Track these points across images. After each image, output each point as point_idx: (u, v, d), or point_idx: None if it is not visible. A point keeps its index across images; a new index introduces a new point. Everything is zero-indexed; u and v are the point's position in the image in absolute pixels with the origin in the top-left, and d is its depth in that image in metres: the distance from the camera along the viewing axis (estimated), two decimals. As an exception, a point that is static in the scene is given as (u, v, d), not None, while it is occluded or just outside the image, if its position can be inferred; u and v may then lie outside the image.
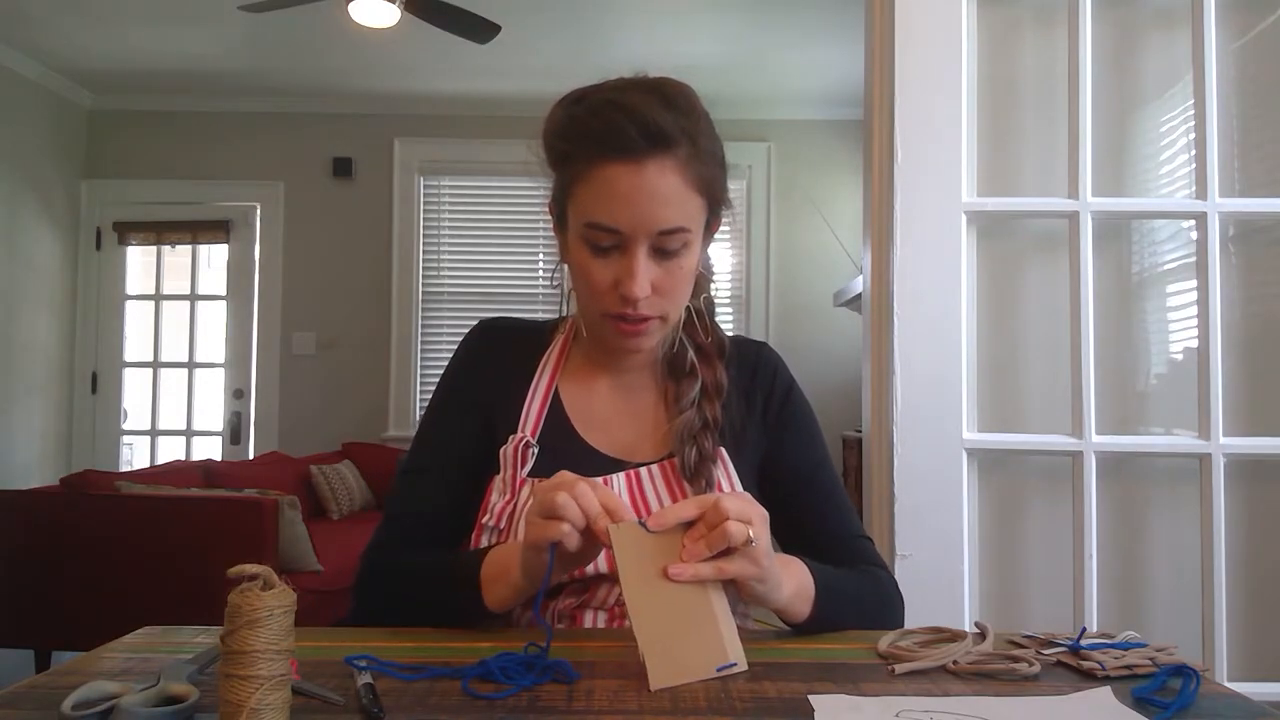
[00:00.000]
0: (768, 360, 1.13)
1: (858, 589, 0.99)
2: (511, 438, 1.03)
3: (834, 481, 1.10)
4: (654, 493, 1.02)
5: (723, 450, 1.05)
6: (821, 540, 1.03)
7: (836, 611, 0.93)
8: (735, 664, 0.78)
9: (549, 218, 1.06)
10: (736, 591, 0.83)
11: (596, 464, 1.03)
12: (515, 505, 1.00)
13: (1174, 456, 1.53)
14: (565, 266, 1.06)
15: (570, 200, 0.98)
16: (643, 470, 1.04)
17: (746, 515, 0.79)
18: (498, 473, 1.03)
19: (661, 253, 0.95)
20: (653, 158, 0.92)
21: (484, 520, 1.01)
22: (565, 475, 0.83)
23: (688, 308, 1.06)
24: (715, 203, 1.01)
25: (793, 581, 0.89)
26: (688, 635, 0.77)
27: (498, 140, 5.15)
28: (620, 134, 0.91)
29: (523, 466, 1.02)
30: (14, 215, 4.82)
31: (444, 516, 1.05)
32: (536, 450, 1.03)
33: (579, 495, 0.79)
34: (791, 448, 1.09)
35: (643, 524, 0.79)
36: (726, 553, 0.79)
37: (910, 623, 0.99)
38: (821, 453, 1.11)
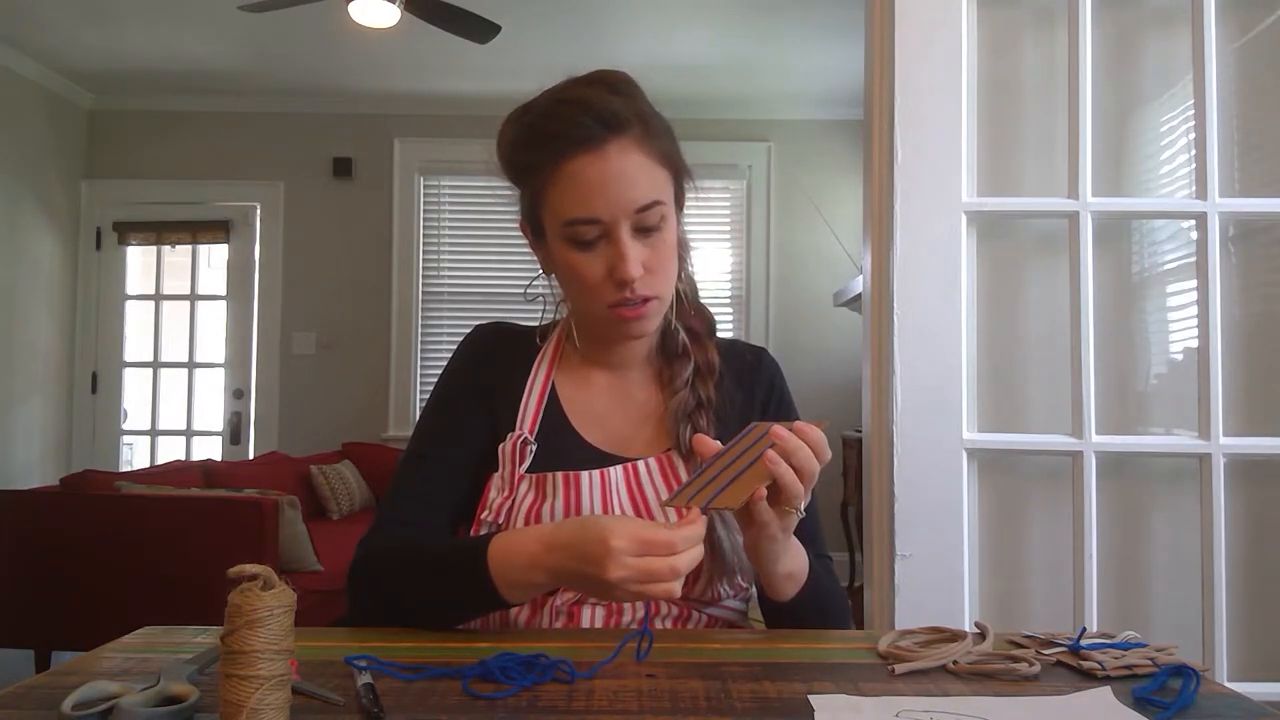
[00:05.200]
0: (766, 365, 1.15)
1: (829, 596, 1.01)
2: (510, 435, 1.05)
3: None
4: (651, 486, 1.03)
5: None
6: None
7: (811, 608, 0.97)
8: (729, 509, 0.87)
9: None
10: (758, 527, 0.86)
11: (593, 459, 1.04)
12: (513, 501, 1.01)
13: (1174, 456, 1.53)
14: (551, 278, 1.08)
15: (544, 207, 1.00)
16: (639, 464, 1.04)
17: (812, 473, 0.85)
18: (496, 470, 1.04)
19: (643, 231, 0.98)
20: (612, 141, 0.95)
21: (483, 515, 1.02)
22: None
23: (675, 288, 1.08)
24: (678, 173, 1.04)
25: (794, 563, 0.93)
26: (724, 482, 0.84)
27: (498, 140, 5.14)
28: (577, 127, 0.95)
29: (521, 463, 1.03)
30: (14, 215, 4.81)
31: (444, 502, 1.05)
32: (535, 447, 1.04)
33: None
34: None
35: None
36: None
37: (910, 623, 0.99)
38: None
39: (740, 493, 0.82)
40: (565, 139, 0.95)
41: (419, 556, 0.96)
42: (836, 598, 1.03)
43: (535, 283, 1.12)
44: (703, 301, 1.16)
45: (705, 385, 1.07)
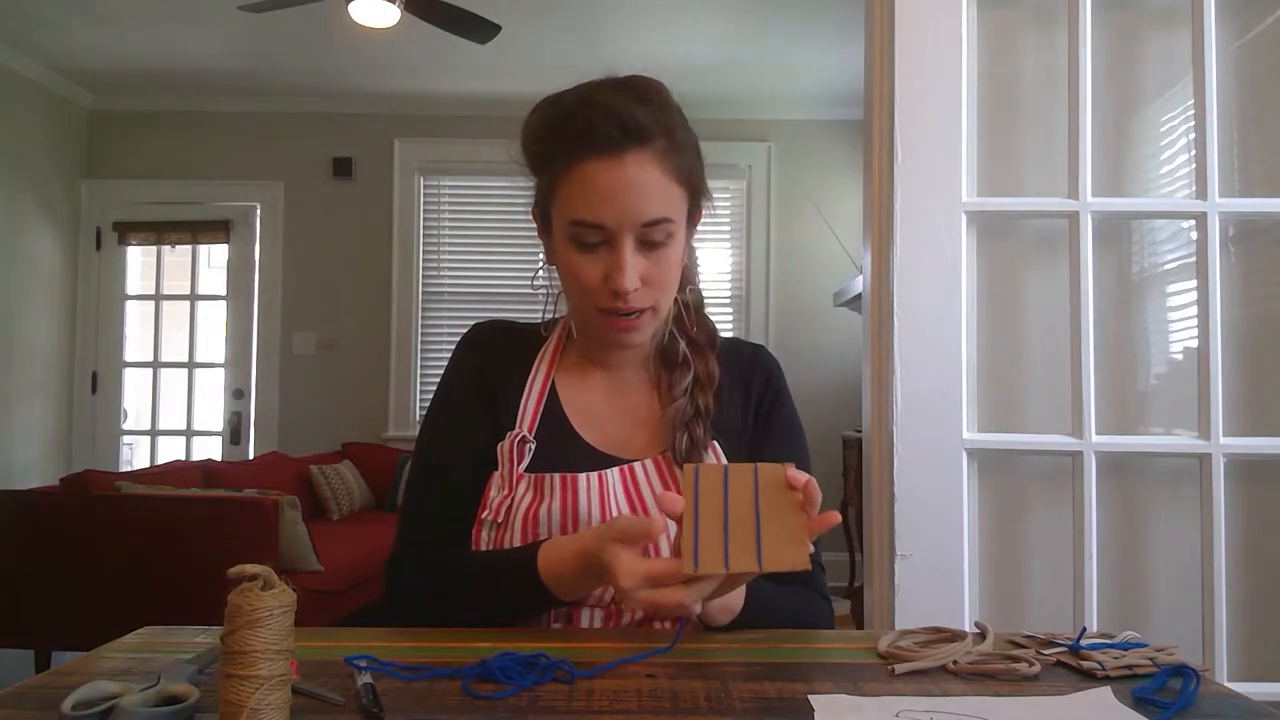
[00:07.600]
0: (763, 361, 1.15)
1: (774, 616, 0.99)
2: (509, 434, 1.05)
3: None
4: (649, 487, 1.03)
5: (716, 444, 1.06)
6: None
7: (756, 621, 0.96)
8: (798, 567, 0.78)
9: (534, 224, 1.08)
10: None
11: (592, 460, 1.04)
12: (513, 500, 1.01)
13: (1174, 456, 1.53)
14: (553, 269, 1.08)
15: (553, 201, 1.00)
16: (637, 465, 1.04)
17: None
18: (495, 469, 1.04)
19: (647, 244, 0.97)
20: (631, 152, 0.94)
21: (483, 515, 1.02)
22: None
23: (677, 300, 1.08)
24: (696, 193, 1.03)
25: (730, 598, 0.91)
26: (763, 533, 0.78)
27: (498, 140, 5.08)
28: (598, 131, 0.93)
29: (519, 462, 1.03)
30: (14, 215, 4.82)
31: (472, 510, 1.05)
32: (534, 446, 1.04)
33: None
34: (770, 451, 1.08)
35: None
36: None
37: (910, 623, 0.99)
38: (798, 464, 1.10)
39: (795, 547, 0.77)
40: (585, 140, 0.94)
41: (475, 582, 0.99)
42: (785, 614, 1.00)
43: (540, 272, 1.12)
44: (707, 311, 1.15)
45: (704, 395, 1.06)
